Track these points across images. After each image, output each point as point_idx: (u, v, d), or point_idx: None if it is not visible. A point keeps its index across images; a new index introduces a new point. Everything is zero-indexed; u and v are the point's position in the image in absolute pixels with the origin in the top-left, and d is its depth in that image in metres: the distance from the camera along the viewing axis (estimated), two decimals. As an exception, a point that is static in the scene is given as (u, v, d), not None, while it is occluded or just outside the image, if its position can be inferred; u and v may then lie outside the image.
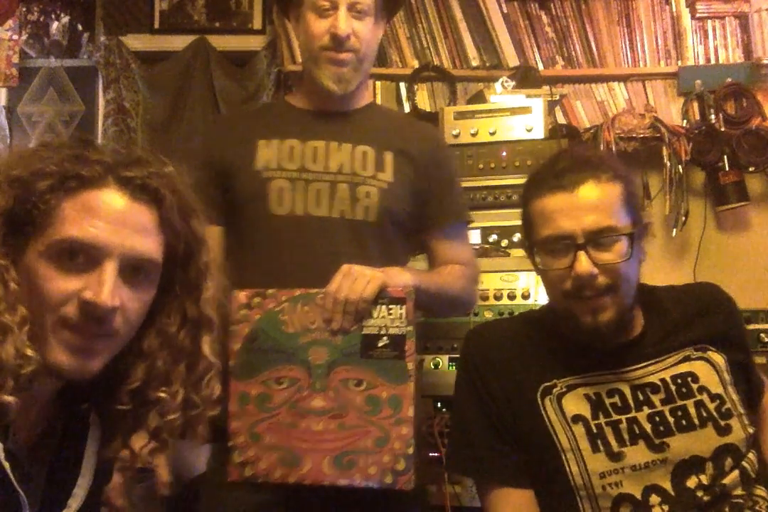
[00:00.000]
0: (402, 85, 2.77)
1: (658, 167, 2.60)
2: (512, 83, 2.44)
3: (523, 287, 2.07)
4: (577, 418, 1.22)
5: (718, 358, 1.28)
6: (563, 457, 1.20)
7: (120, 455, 0.99)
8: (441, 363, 2.03)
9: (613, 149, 2.50)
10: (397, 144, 1.58)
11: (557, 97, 2.52)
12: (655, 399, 1.24)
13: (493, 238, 2.20)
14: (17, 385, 0.82)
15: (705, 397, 1.24)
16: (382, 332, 1.33)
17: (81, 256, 0.86)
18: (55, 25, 3.03)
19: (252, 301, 1.35)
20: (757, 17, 2.75)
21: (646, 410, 1.23)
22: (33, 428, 0.93)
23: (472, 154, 2.25)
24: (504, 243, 2.18)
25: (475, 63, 2.77)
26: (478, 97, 2.53)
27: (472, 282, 1.62)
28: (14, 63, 2.91)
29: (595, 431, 1.21)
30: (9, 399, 0.81)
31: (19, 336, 0.82)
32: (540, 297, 2.02)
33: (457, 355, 1.44)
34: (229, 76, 2.89)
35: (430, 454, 1.91)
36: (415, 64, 2.79)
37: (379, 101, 2.75)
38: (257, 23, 2.95)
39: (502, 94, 2.43)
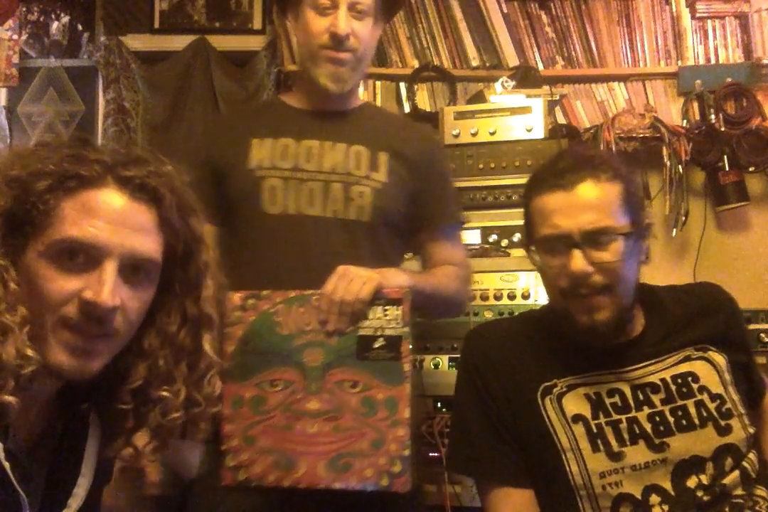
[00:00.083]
0: (402, 85, 2.77)
1: (658, 167, 2.60)
2: (512, 83, 2.44)
3: (523, 287, 2.07)
4: (577, 418, 1.22)
5: (719, 358, 1.28)
6: (563, 457, 1.20)
7: (123, 454, 0.99)
8: (441, 363, 2.03)
9: (613, 149, 2.50)
10: (391, 144, 1.57)
11: (557, 97, 2.52)
12: (656, 398, 1.24)
13: (493, 238, 2.20)
14: (17, 385, 0.82)
15: (705, 397, 1.24)
16: (378, 333, 1.31)
17: (81, 256, 0.87)
18: (55, 25, 3.03)
19: (246, 303, 1.34)
20: (757, 17, 2.75)
21: (647, 410, 1.23)
22: (33, 428, 0.93)
23: (472, 154, 2.25)
24: (504, 243, 2.18)
25: (475, 63, 2.78)
26: (478, 97, 2.53)
27: (465, 283, 1.62)
28: (14, 63, 2.91)
29: (595, 431, 1.21)
30: (9, 399, 0.81)
31: (19, 337, 0.82)
32: (540, 297, 2.02)
33: (457, 355, 1.44)
34: (229, 76, 2.89)
35: (430, 454, 1.91)
36: (415, 64, 2.79)
37: (379, 101, 2.76)
38: (257, 23, 2.95)
39: (502, 94, 2.43)
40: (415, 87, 2.72)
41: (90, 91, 2.99)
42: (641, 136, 2.56)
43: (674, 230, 2.61)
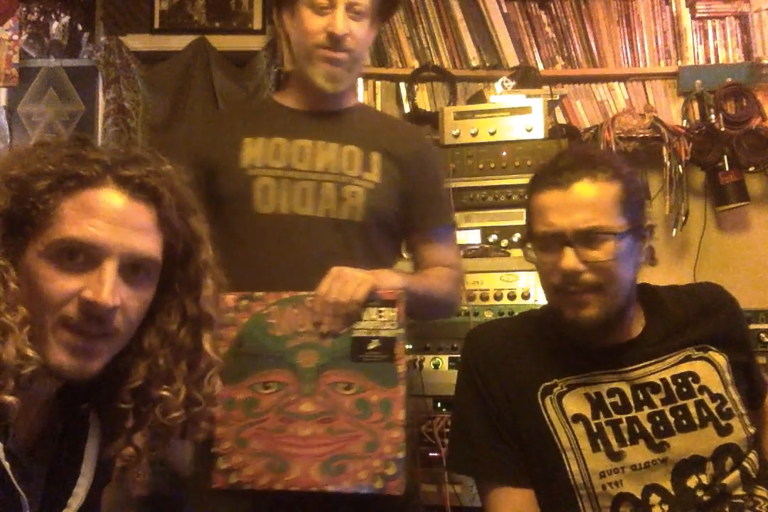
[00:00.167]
0: (402, 85, 2.77)
1: (658, 167, 2.60)
2: (512, 83, 2.44)
3: (523, 287, 2.07)
4: (578, 418, 1.22)
5: (720, 358, 1.28)
6: (563, 456, 1.21)
7: (123, 454, 0.99)
8: (441, 363, 2.03)
9: (613, 149, 2.50)
10: (384, 145, 1.57)
11: (557, 97, 2.52)
12: (656, 398, 1.24)
13: (493, 238, 2.20)
14: (18, 385, 0.82)
15: (706, 397, 1.25)
16: (373, 335, 1.31)
17: (81, 256, 0.86)
18: (55, 25, 3.02)
19: (239, 304, 1.33)
20: (757, 17, 2.75)
21: (647, 410, 1.23)
22: (33, 428, 0.93)
23: (472, 154, 2.25)
24: (504, 243, 2.18)
25: (475, 63, 2.77)
26: (478, 97, 2.53)
27: (457, 285, 1.62)
28: (14, 63, 2.91)
29: (595, 430, 1.21)
30: (10, 399, 0.81)
31: (19, 337, 0.82)
32: (540, 297, 2.02)
33: (457, 355, 1.44)
34: (229, 76, 2.88)
35: (430, 454, 1.91)
36: (415, 64, 2.79)
37: (379, 101, 2.76)
38: (257, 23, 2.95)
39: (502, 94, 2.43)
40: (415, 87, 2.72)
41: (90, 91, 2.99)
42: (641, 136, 2.56)
43: (674, 230, 2.61)
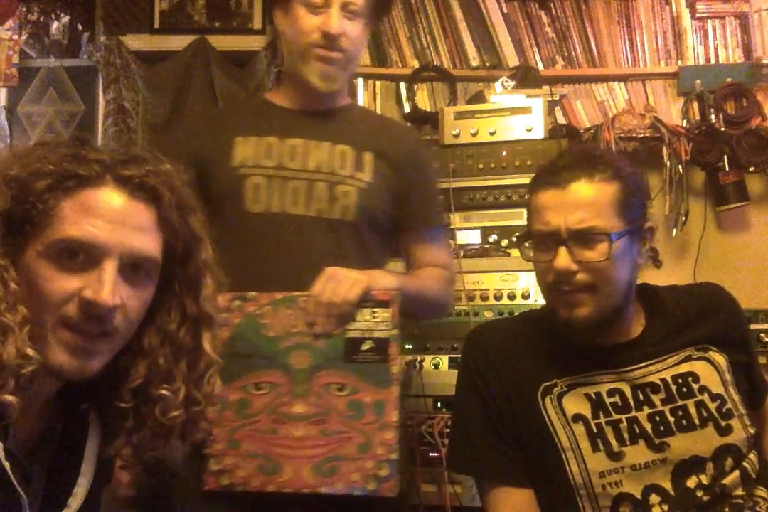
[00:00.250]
0: (402, 85, 2.77)
1: (658, 167, 2.59)
2: (512, 83, 2.43)
3: (523, 287, 2.07)
4: (578, 417, 1.22)
5: (720, 358, 1.28)
6: (563, 456, 1.21)
7: (123, 453, 0.99)
8: (441, 363, 2.03)
9: (613, 149, 2.50)
10: (376, 144, 1.56)
11: (557, 97, 2.52)
12: (656, 398, 1.24)
13: (493, 238, 2.20)
14: (18, 385, 0.82)
15: (706, 397, 1.25)
16: (366, 335, 1.31)
17: (81, 255, 0.86)
18: (55, 25, 3.02)
19: (232, 304, 1.32)
20: (757, 17, 2.75)
21: (647, 410, 1.23)
22: (33, 428, 0.93)
23: (472, 154, 2.25)
24: (504, 243, 2.18)
25: (475, 63, 2.77)
26: (478, 97, 2.53)
27: (449, 285, 1.62)
28: (14, 63, 2.91)
29: (595, 430, 1.21)
30: (10, 398, 0.81)
31: (19, 336, 0.82)
32: (540, 297, 2.01)
33: (457, 355, 1.44)
34: (229, 76, 2.88)
35: (430, 454, 1.91)
36: (415, 64, 2.78)
37: (379, 101, 2.76)
38: (257, 23, 2.95)
39: (502, 94, 2.43)
40: (415, 87, 2.72)
41: (90, 91, 2.98)
42: (641, 136, 2.56)
43: (674, 230, 2.60)
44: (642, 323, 1.31)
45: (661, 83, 2.77)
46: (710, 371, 1.27)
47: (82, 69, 2.99)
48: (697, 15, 2.78)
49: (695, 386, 1.25)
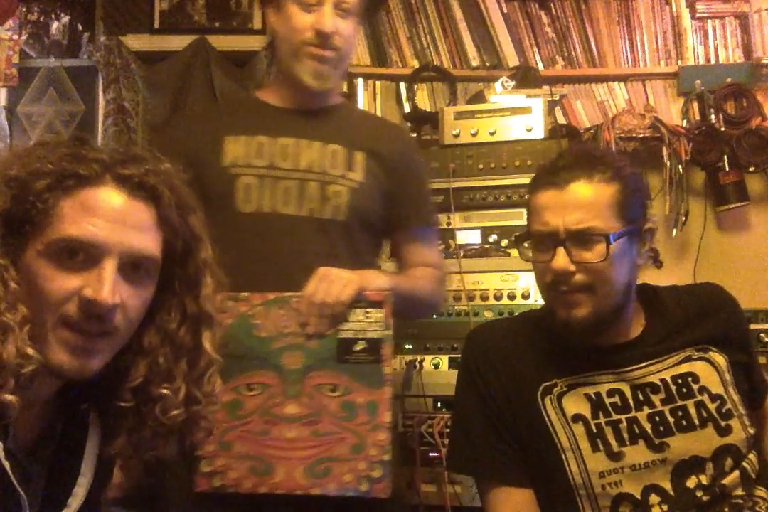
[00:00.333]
0: (402, 85, 2.77)
1: (658, 167, 2.59)
2: (512, 83, 2.43)
3: (523, 287, 2.07)
4: (577, 418, 1.22)
5: (720, 359, 1.28)
6: (563, 456, 1.21)
7: (123, 453, 0.99)
8: (441, 363, 2.03)
9: (613, 149, 2.49)
10: (368, 144, 1.56)
11: (557, 97, 2.52)
12: (655, 399, 1.24)
13: (493, 238, 2.20)
14: (18, 384, 0.82)
15: (705, 397, 1.25)
16: (359, 336, 1.30)
17: (80, 255, 0.86)
18: (55, 25, 3.02)
19: (224, 305, 1.30)
20: (757, 17, 2.75)
21: (646, 410, 1.23)
22: (33, 428, 0.93)
23: (472, 154, 2.25)
24: (504, 243, 2.18)
25: (475, 63, 2.77)
26: (478, 97, 2.53)
27: (440, 285, 1.62)
28: (14, 63, 2.91)
29: (594, 430, 1.21)
30: (10, 398, 0.81)
31: (19, 336, 0.82)
32: (540, 297, 2.01)
33: (457, 355, 1.44)
34: (229, 76, 2.88)
35: (430, 454, 1.91)
36: (415, 64, 2.78)
37: (379, 101, 2.76)
38: (257, 23, 2.94)
39: (502, 94, 2.43)
40: (415, 87, 2.72)
41: (90, 91, 2.98)
42: (641, 136, 2.55)
43: (674, 230, 2.60)
44: (642, 323, 1.31)
45: (661, 83, 2.77)
46: (710, 371, 1.27)
47: (82, 69, 2.99)
48: (697, 15, 2.78)
49: (695, 386, 1.25)
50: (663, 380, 1.25)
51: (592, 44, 2.81)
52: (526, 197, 1.30)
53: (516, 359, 1.29)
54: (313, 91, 1.53)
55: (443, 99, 2.75)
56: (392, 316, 1.32)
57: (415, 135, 2.48)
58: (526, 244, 1.27)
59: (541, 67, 2.76)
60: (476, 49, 2.79)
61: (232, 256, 1.44)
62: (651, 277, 1.39)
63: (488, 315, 2.05)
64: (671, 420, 1.23)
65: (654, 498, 1.19)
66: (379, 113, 2.72)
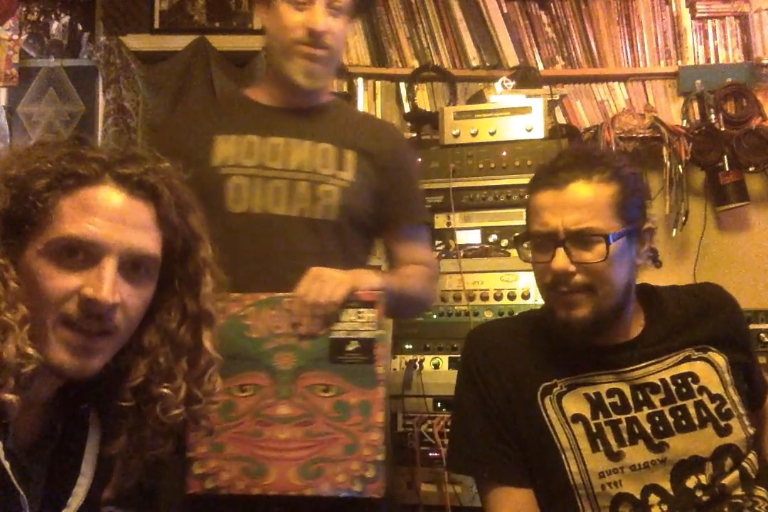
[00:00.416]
0: (402, 85, 2.77)
1: (658, 167, 2.59)
2: (512, 83, 2.44)
3: (523, 287, 2.07)
4: (577, 418, 1.22)
5: (719, 359, 1.28)
6: (563, 456, 1.20)
7: (123, 452, 0.99)
8: (441, 363, 2.03)
9: (613, 149, 2.50)
10: (358, 142, 1.55)
11: (557, 97, 2.52)
12: (655, 399, 1.24)
13: (493, 237, 2.20)
14: (18, 384, 0.82)
15: (705, 398, 1.25)
16: (352, 336, 1.29)
17: (80, 254, 0.87)
18: (55, 25, 3.02)
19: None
20: (757, 17, 2.75)
21: (646, 410, 1.23)
22: (33, 428, 0.93)
23: (472, 154, 2.25)
24: (504, 243, 2.18)
25: (475, 63, 2.77)
26: (478, 97, 2.53)
27: (431, 283, 1.62)
28: (14, 63, 2.91)
29: (594, 430, 1.21)
30: (10, 397, 0.81)
31: (19, 335, 0.82)
32: (540, 297, 2.02)
33: (457, 355, 1.44)
34: (229, 76, 2.88)
35: (430, 454, 1.91)
36: (415, 64, 2.79)
37: (379, 101, 2.76)
38: (257, 23, 2.93)
39: (502, 94, 2.43)
40: (415, 87, 2.72)
41: (90, 91, 2.99)
42: (641, 136, 2.55)
43: (674, 230, 2.60)
44: (642, 323, 1.31)
45: (661, 83, 2.78)
46: (710, 371, 1.27)
47: (82, 69, 3.00)
48: (697, 15, 2.79)
49: (695, 386, 1.25)
50: (663, 380, 1.25)
51: (592, 44, 2.81)
52: (525, 197, 1.30)
53: (516, 359, 1.29)
54: (304, 90, 1.52)
55: (443, 99, 2.75)
56: (384, 316, 1.32)
57: (415, 135, 2.48)
58: (525, 245, 1.27)
59: (541, 67, 2.76)
60: (476, 49, 2.79)
61: (223, 256, 1.45)
62: (651, 277, 1.39)
63: (488, 315, 2.05)
64: (671, 420, 1.23)
65: (654, 498, 1.19)
66: (379, 113, 2.72)
